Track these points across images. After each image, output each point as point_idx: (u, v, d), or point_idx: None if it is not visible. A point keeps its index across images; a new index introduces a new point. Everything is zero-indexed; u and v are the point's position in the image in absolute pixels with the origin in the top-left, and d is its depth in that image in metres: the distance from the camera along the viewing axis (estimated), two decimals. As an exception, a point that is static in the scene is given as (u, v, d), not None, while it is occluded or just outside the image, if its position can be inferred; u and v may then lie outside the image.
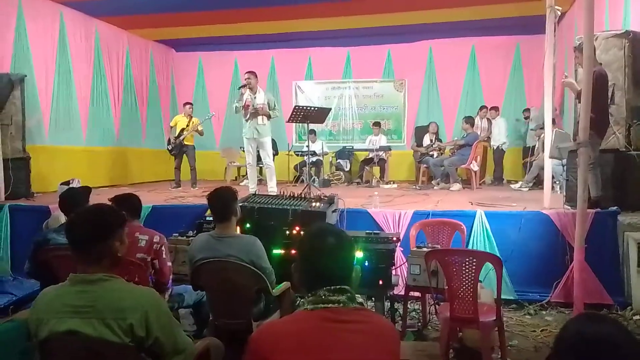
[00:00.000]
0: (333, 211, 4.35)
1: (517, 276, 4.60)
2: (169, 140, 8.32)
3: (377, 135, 9.69)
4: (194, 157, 8.30)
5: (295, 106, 6.43)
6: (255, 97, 6.54)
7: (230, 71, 11.17)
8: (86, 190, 3.65)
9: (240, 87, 6.55)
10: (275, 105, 6.76)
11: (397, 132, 10.75)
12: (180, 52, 11.47)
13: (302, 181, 9.08)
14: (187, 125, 8.19)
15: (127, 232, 1.94)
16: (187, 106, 8.39)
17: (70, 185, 5.75)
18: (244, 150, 6.95)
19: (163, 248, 3.24)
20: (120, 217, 1.93)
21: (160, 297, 1.85)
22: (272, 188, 6.62)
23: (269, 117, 6.65)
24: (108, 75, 9.26)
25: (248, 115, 6.56)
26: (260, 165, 8.38)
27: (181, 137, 8.09)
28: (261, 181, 8.58)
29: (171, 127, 8.55)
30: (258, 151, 6.82)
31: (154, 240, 3.21)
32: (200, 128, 8.19)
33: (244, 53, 10.94)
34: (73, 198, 3.28)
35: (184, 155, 8.25)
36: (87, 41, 8.76)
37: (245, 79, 6.58)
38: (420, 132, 9.94)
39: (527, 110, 9.34)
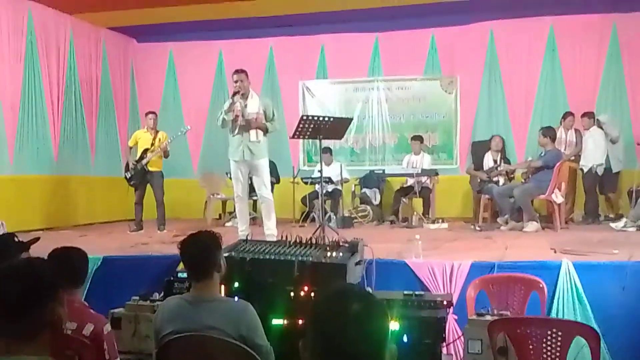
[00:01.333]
0: (357, 263, 4.34)
1: (622, 354, 4.52)
2: (127, 165, 8.46)
3: (418, 154, 9.74)
4: (162, 188, 8.42)
5: (302, 116, 6.51)
6: (246, 105, 6.60)
7: (212, 67, 11.40)
8: (17, 244, 3.45)
9: (232, 96, 6.60)
10: (274, 115, 6.80)
11: (446, 149, 10.79)
12: (144, 43, 11.76)
13: (313, 220, 9.10)
14: (152, 144, 8.32)
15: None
16: (150, 116, 8.55)
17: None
18: (231, 178, 7.05)
19: (103, 343, 2.92)
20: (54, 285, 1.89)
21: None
22: (271, 230, 6.63)
23: (265, 131, 6.68)
24: (45, 75, 9.40)
25: (237, 130, 6.61)
26: (254, 198, 8.43)
27: (144, 161, 8.22)
28: (255, 220, 8.62)
29: (130, 147, 8.70)
30: (251, 179, 6.87)
31: (85, 331, 2.88)
32: (167, 148, 8.34)
33: (232, 43, 11.18)
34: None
35: (148, 185, 8.36)
36: (16, 29, 8.85)
37: (235, 83, 6.63)
38: (479, 149, 9.95)
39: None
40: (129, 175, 8.38)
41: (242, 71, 6.67)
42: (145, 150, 8.28)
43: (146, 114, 8.71)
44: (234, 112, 6.51)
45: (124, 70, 11.56)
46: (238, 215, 6.94)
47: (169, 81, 11.63)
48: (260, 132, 6.63)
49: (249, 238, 4.73)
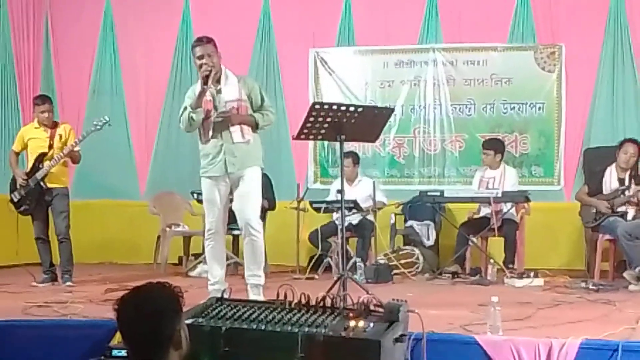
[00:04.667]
0: (397, 339, 4.31)
1: None
2: (14, 181, 8.35)
3: (496, 169, 9.69)
4: (67, 215, 8.37)
5: (314, 104, 6.46)
6: (219, 91, 6.71)
7: (172, 28, 11.55)
8: None
9: (203, 82, 6.52)
10: (263, 99, 6.89)
11: (543, 160, 10.78)
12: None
13: (329, 270, 9.06)
14: (50, 146, 8.33)
15: None
16: (42, 107, 8.44)
17: None
18: (199, 200, 7.00)
19: None
20: None
21: None
22: (257, 282, 6.67)
23: (254, 126, 6.76)
24: None
25: (210, 132, 6.67)
26: (235, 233, 8.40)
27: (39, 174, 8.22)
28: (237, 268, 8.61)
29: (15, 152, 8.62)
30: (231, 200, 6.89)
31: None
32: (76, 148, 8.31)
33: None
34: None
35: (49, 210, 8.39)
36: None
37: (198, 61, 6.57)
38: (596, 161, 9.87)
39: None
40: (17, 198, 8.27)
41: (209, 41, 6.68)
42: (41, 157, 8.28)
43: (35, 101, 8.65)
44: (203, 107, 6.57)
45: (35, 32, 11.71)
46: (209, 260, 6.93)
47: (103, 49, 11.78)
48: (247, 129, 6.69)
49: (225, 295, 4.72)
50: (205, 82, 6.49)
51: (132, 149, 11.42)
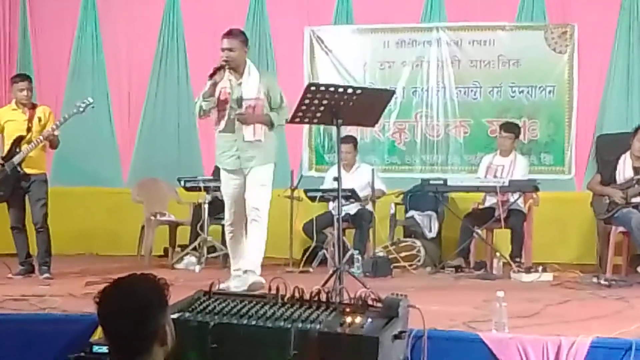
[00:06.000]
0: (396, 336, 4.33)
1: None
2: None
3: (506, 155, 9.68)
4: (45, 202, 8.38)
5: (309, 85, 6.54)
6: (240, 84, 6.97)
7: (159, 7, 11.52)
8: None
9: (211, 74, 6.85)
10: (282, 99, 7.16)
11: (552, 147, 10.80)
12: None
13: (324, 263, 9.09)
14: (29, 129, 8.32)
15: None
16: (21, 84, 8.43)
17: None
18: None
19: None
20: None
21: None
22: (251, 265, 6.90)
23: (270, 125, 7.02)
24: None
25: (224, 123, 6.93)
26: (223, 223, 8.42)
27: (16, 158, 8.21)
28: (226, 260, 8.64)
29: None
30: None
31: None
32: (55, 132, 8.29)
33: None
34: None
35: (26, 197, 8.39)
36: None
37: (222, 52, 6.88)
38: (609, 148, 9.88)
39: None
40: None
41: (238, 34, 7.03)
42: (18, 140, 8.27)
43: (13, 80, 8.66)
44: (220, 97, 6.87)
45: (12, 9, 11.70)
46: (230, 250, 7.30)
47: (84, 28, 11.73)
48: (262, 128, 6.96)
49: (213, 290, 4.72)
50: (212, 74, 6.81)
51: (114, 132, 11.40)
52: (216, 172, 9.77)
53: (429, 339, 4.76)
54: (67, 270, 8.64)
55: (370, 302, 4.45)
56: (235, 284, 6.82)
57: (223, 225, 9.16)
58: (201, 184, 9.15)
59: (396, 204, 10.17)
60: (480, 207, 9.54)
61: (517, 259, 9.01)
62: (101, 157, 11.35)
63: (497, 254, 9.00)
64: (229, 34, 6.99)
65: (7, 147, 8.28)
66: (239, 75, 6.95)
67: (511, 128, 9.69)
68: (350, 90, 6.38)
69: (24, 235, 8.46)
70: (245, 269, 6.93)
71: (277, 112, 7.05)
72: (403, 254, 9.50)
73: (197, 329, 4.19)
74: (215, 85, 6.83)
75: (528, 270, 8.64)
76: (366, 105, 6.47)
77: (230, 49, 6.86)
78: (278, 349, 4.09)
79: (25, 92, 8.38)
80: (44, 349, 5.22)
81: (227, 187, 7.15)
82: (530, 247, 9.31)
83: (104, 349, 4.28)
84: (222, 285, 6.43)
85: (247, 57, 7.28)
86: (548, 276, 8.52)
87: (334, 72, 11.03)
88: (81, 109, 8.38)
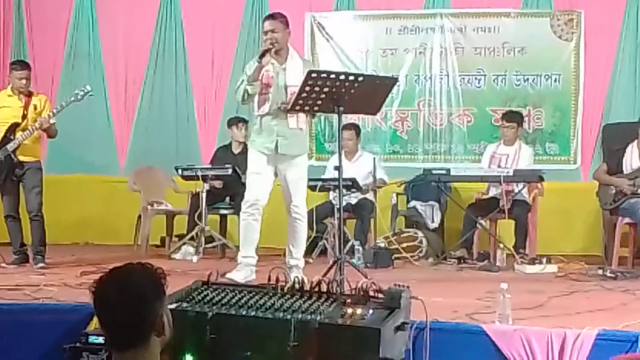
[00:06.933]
0: (398, 327, 4.34)
1: None
2: None
3: (511, 145, 9.68)
4: (40, 191, 8.41)
5: (309, 72, 6.49)
6: (285, 69, 6.99)
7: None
8: None
9: (259, 57, 6.85)
10: None
11: (558, 136, 10.80)
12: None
13: (324, 253, 9.12)
14: (24, 117, 8.31)
15: None
16: (19, 72, 8.46)
17: None
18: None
19: None
20: None
21: None
22: (294, 263, 7.10)
23: (313, 114, 7.14)
24: None
25: (267, 106, 6.92)
26: (222, 212, 8.36)
27: (10, 145, 8.21)
28: (224, 251, 8.63)
29: None
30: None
31: None
32: (51, 120, 8.29)
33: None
34: None
35: (20, 185, 8.41)
36: None
37: (265, 35, 6.92)
38: (616, 138, 9.88)
39: None
40: None
41: (279, 16, 7.01)
42: (13, 127, 8.27)
43: (13, 66, 8.65)
44: (262, 80, 6.85)
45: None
46: (244, 234, 7.19)
47: (80, 12, 11.71)
48: (303, 117, 6.96)
49: (211, 280, 4.72)
50: (262, 55, 6.78)
51: (111, 119, 11.40)
52: (214, 160, 9.85)
53: (432, 330, 4.76)
54: (62, 260, 8.65)
55: (371, 293, 4.45)
56: (244, 275, 6.82)
57: (221, 215, 9.24)
58: (199, 173, 9.11)
59: (398, 193, 10.18)
60: (484, 197, 9.54)
61: (521, 250, 9.01)
62: (97, 144, 11.36)
63: (501, 245, 8.99)
64: (271, 16, 7.05)
65: (1, 134, 8.27)
66: (282, 60, 6.93)
67: (514, 117, 9.67)
68: (351, 78, 6.37)
69: (18, 224, 8.46)
70: (294, 264, 7.03)
71: None
72: (405, 245, 9.51)
73: (195, 320, 4.19)
74: (261, 68, 6.80)
75: (532, 262, 8.64)
76: (368, 93, 6.47)
77: (273, 30, 6.83)
78: (277, 340, 4.09)
79: (24, 81, 8.39)
80: (39, 339, 5.22)
81: (257, 167, 7.04)
82: (535, 238, 9.31)
83: (100, 340, 4.30)
84: (228, 276, 6.51)
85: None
86: (553, 268, 8.53)
87: (335, 59, 11.02)
88: (79, 97, 8.40)
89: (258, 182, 7.03)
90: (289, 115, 6.84)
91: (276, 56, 6.87)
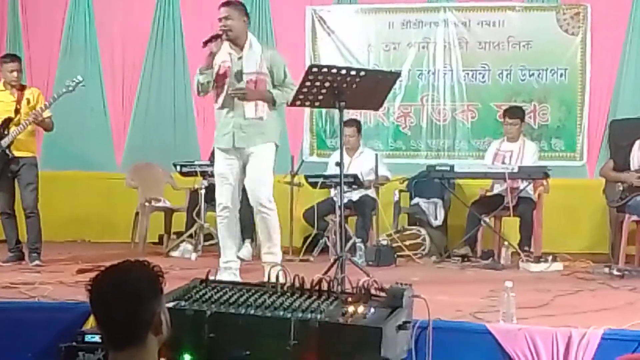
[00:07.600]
0: (400, 326, 4.33)
1: None
2: None
3: (515, 141, 9.68)
4: (35, 187, 8.42)
5: (310, 67, 6.51)
6: (241, 58, 6.91)
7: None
8: None
9: (205, 41, 6.78)
10: (286, 75, 7.04)
11: (564, 132, 10.80)
12: None
13: (325, 251, 9.11)
14: (17, 111, 8.32)
15: None
16: (10, 65, 8.47)
17: None
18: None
19: None
20: None
21: None
22: (271, 259, 6.80)
23: (273, 103, 6.93)
24: None
25: (222, 99, 6.86)
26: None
27: (4, 141, 8.20)
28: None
29: None
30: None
31: None
32: (46, 113, 8.31)
33: None
34: None
35: (15, 182, 8.42)
36: None
37: (220, 24, 6.82)
38: (623, 133, 9.93)
39: None
40: None
41: (236, 3, 6.91)
42: (6, 122, 8.26)
43: (2, 59, 8.63)
44: (219, 71, 6.79)
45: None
46: (221, 238, 7.13)
47: (76, 3, 11.69)
48: (263, 105, 6.85)
49: (209, 279, 4.71)
50: (207, 41, 6.74)
51: (107, 114, 11.38)
52: (213, 156, 9.83)
53: (434, 329, 4.74)
54: (58, 257, 8.65)
55: (373, 292, 4.44)
56: (225, 279, 6.72)
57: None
58: (197, 169, 9.12)
59: (400, 190, 10.19)
60: (488, 194, 9.54)
61: (526, 248, 9.01)
62: (94, 139, 11.33)
63: (505, 242, 9.03)
64: (227, 2, 6.88)
65: None
66: (239, 49, 6.86)
67: (516, 113, 9.68)
68: (353, 72, 6.37)
69: (14, 221, 8.47)
70: (268, 259, 6.82)
71: (281, 90, 6.92)
72: (407, 243, 9.51)
73: (193, 318, 4.19)
74: (212, 55, 6.73)
75: (537, 260, 8.65)
76: (370, 87, 6.46)
77: (227, 17, 6.75)
78: (277, 339, 4.08)
79: (15, 74, 8.39)
80: (34, 338, 5.21)
81: (220, 166, 6.99)
82: (540, 235, 9.32)
83: (96, 338, 4.29)
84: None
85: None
86: (558, 266, 8.54)
87: (337, 53, 11.01)
88: (70, 88, 8.37)
89: (223, 187, 6.98)
90: (245, 104, 6.76)
91: (233, 46, 6.83)
